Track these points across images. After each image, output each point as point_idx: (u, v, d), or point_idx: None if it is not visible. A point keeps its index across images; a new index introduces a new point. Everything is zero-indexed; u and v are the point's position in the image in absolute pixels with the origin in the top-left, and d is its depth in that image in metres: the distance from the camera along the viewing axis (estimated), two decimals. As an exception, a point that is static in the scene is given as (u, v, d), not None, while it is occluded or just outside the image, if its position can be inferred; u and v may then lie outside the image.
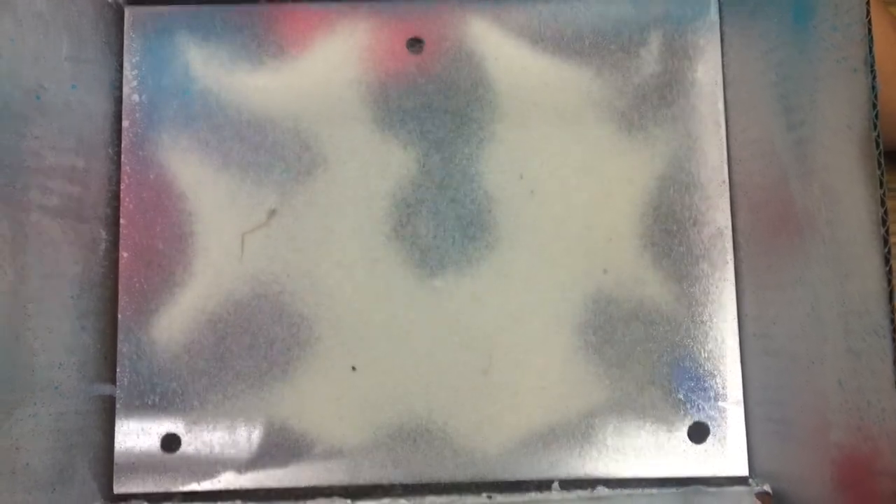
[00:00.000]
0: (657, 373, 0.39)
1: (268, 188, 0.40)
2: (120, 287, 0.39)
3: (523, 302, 0.39)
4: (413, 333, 0.39)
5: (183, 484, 0.38)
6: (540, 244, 0.40)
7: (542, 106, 0.40)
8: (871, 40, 0.31)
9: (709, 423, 0.38)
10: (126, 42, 0.40)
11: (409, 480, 0.38)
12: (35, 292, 0.34)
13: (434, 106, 0.40)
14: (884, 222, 0.30)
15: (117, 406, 0.39)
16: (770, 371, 0.37)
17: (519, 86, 0.40)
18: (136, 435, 0.38)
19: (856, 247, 0.32)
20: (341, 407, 0.39)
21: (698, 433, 0.38)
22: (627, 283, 0.39)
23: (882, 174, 0.30)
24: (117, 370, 0.39)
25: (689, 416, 0.39)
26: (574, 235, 0.40)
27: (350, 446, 0.39)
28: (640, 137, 0.40)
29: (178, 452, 0.38)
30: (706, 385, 0.39)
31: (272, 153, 0.40)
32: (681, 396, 0.39)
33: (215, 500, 0.38)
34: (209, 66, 0.40)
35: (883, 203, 0.30)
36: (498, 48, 0.41)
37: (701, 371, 0.39)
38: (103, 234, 0.39)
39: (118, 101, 0.40)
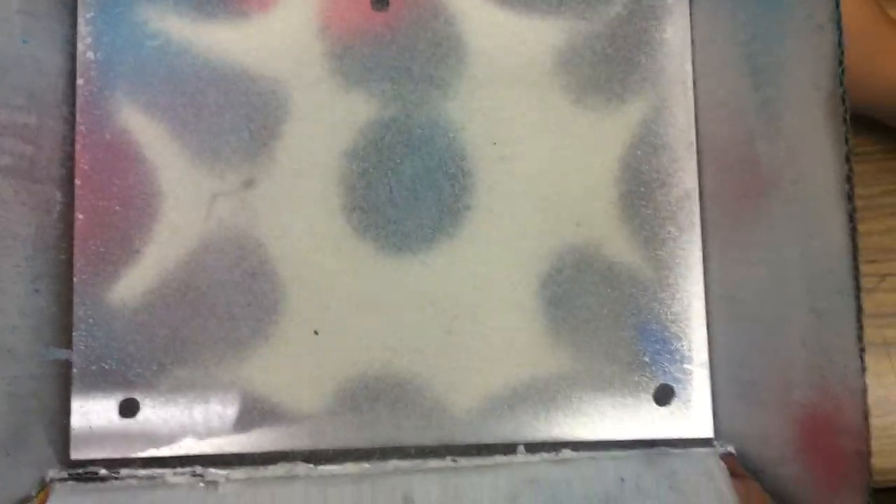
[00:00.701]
0: (623, 335, 0.39)
1: (229, 148, 0.39)
2: (75, 249, 0.38)
3: (490, 264, 0.39)
4: (377, 297, 0.39)
5: (142, 449, 0.37)
6: (509, 206, 0.39)
7: (510, 66, 0.40)
8: (837, -1, 0.30)
9: (674, 385, 0.38)
10: (80, -4, 0.39)
11: (372, 445, 0.38)
12: (-15, 252, 0.33)
13: (400, 64, 0.39)
14: (849, 180, 0.30)
15: (73, 370, 0.38)
16: (735, 333, 0.37)
17: (487, 45, 0.40)
18: (94, 400, 0.38)
19: (820, 205, 0.32)
20: (303, 372, 0.38)
21: (664, 395, 0.38)
22: (595, 245, 0.39)
23: (847, 131, 0.30)
24: (73, 334, 0.38)
25: (655, 379, 0.38)
26: (543, 199, 0.39)
27: (312, 411, 0.38)
28: (608, 98, 0.40)
29: (137, 417, 0.38)
30: (672, 348, 0.39)
31: (233, 113, 0.39)
32: (647, 359, 0.39)
33: (175, 466, 0.37)
34: (167, 22, 0.39)
35: (848, 160, 0.30)
36: (465, 6, 0.40)
37: (667, 334, 0.39)
38: (58, 195, 0.38)
39: (72, 57, 0.39)
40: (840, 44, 0.30)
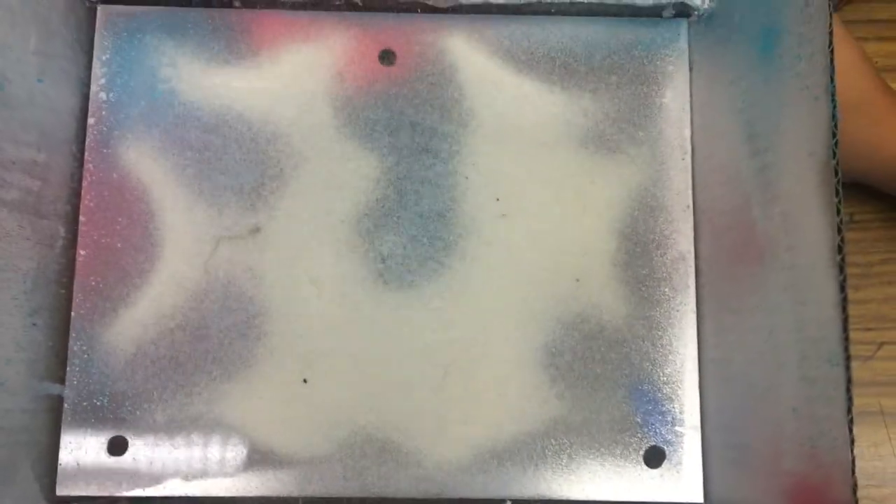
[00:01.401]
0: (615, 395, 0.38)
1: (233, 194, 0.39)
2: (75, 285, 0.38)
3: (488, 317, 0.39)
4: (369, 346, 0.39)
5: (128, 489, 0.37)
6: (506, 261, 0.39)
7: (512, 124, 0.40)
8: (832, 69, 0.31)
9: (665, 447, 0.38)
10: (97, 39, 0.40)
11: (359, 494, 0.38)
12: (-15, 285, 0.34)
13: (404, 119, 0.40)
14: (840, 250, 0.30)
15: (65, 406, 0.38)
16: (727, 397, 0.37)
17: (490, 103, 0.40)
18: (83, 436, 0.38)
19: (813, 274, 0.32)
20: (293, 418, 0.38)
21: (654, 457, 0.38)
22: (592, 303, 0.39)
23: (839, 202, 0.30)
24: (67, 369, 0.38)
25: (646, 440, 0.38)
26: (543, 255, 0.39)
27: (301, 458, 0.38)
28: (607, 160, 0.40)
29: (125, 456, 0.38)
30: (664, 409, 0.38)
31: (240, 159, 0.40)
32: (638, 419, 0.38)
33: (160, 507, 0.37)
34: (179, 67, 0.40)
35: (840, 231, 0.30)
36: (470, 65, 0.41)
37: (659, 395, 0.39)
38: (62, 230, 0.39)
39: (85, 97, 0.40)
40: (834, 115, 0.31)
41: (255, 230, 0.39)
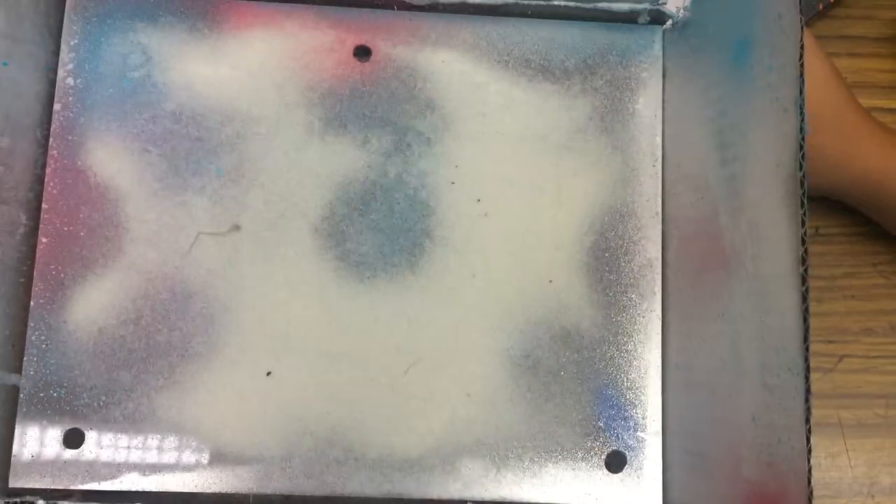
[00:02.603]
0: (579, 399, 0.39)
1: (201, 187, 0.39)
2: (35, 273, 0.38)
3: (455, 317, 0.39)
4: (336, 342, 0.38)
5: (83, 482, 0.37)
6: (478, 261, 0.39)
7: (485, 124, 0.40)
8: (802, 81, 0.31)
9: (627, 452, 0.38)
10: (66, 24, 0.39)
11: (319, 492, 0.37)
12: (-59, 270, 0.33)
13: (378, 115, 0.40)
14: (803, 261, 0.30)
15: (21, 396, 0.37)
16: (689, 403, 0.37)
17: (464, 103, 0.40)
18: (39, 428, 0.37)
19: (777, 284, 0.32)
20: (253, 413, 0.38)
21: (615, 462, 0.38)
22: (558, 307, 0.39)
23: (804, 213, 0.31)
24: (24, 359, 0.37)
25: (608, 445, 0.38)
26: (518, 254, 0.39)
27: (260, 454, 0.37)
28: (579, 164, 0.40)
29: (81, 449, 0.37)
30: (626, 414, 0.39)
31: (208, 149, 0.39)
32: (601, 424, 0.38)
33: (116, 501, 0.37)
34: (149, 55, 0.40)
35: (804, 242, 0.31)
36: (445, 64, 0.41)
37: (622, 400, 0.39)
38: (23, 217, 0.38)
39: (52, 83, 0.39)
40: (802, 128, 0.31)
41: (226, 224, 0.39)
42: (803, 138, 0.31)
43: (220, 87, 0.40)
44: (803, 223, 0.31)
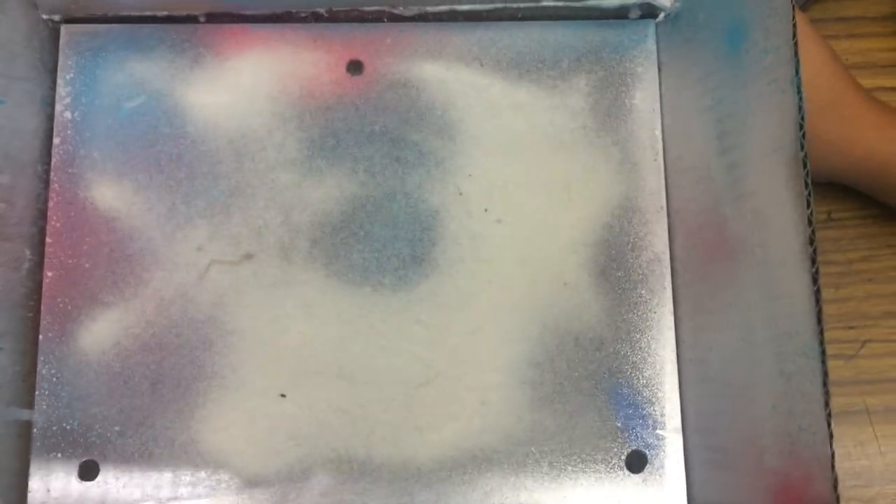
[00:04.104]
0: (595, 400, 0.38)
1: (204, 210, 0.39)
2: (43, 307, 0.38)
3: (471, 326, 0.38)
4: (351, 358, 0.38)
5: (100, 514, 0.37)
6: (490, 269, 0.39)
7: (482, 130, 0.40)
8: (797, 61, 0.31)
9: (647, 451, 0.38)
10: (61, 59, 0.40)
11: (337, 511, 0.37)
12: (-53, 309, 0.33)
13: (373, 129, 0.40)
14: (811, 242, 0.30)
15: (34, 431, 0.37)
16: (707, 397, 0.37)
17: (460, 110, 0.40)
18: (53, 462, 0.37)
19: (785, 268, 0.31)
20: (269, 435, 0.37)
21: (636, 462, 0.38)
22: (571, 309, 0.39)
23: (809, 194, 0.30)
24: (36, 393, 0.37)
25: (628, 445, 0.38)
26: (530, 260, 0.39)
27: (278, 476, 0.37)
28: (580, 164, 0.40)
29: (97, 480, 0.37)
30: (644, 412, 0.38)
31: (207, 173, 0.39)
32: (619, 424, 0.38)
33: (134, 532, 0.36)
34: (145, 85, 0.40)
35: (810, 223, 0.30)
36: (438, 73, 0.40)
37: (639, 398, 0.38)
38: (27, 252, 0.38)
39: (50, 117, 0.39)
40: (801, 108, 0.31)
41: (225, 244, 0.39)
42: (803, 119, 0.31)
43: (216, 112, 0.40)
44: (808, 204, 0.30)
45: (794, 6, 0.32)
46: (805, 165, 0.30)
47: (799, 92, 0.31)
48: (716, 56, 0.37)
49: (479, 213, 0.39)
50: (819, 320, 0.29)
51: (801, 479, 0.30)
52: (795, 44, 0.31)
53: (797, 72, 0.31)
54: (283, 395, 0.38)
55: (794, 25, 0.31)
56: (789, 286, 0.31)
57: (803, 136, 0.31)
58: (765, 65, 0.33)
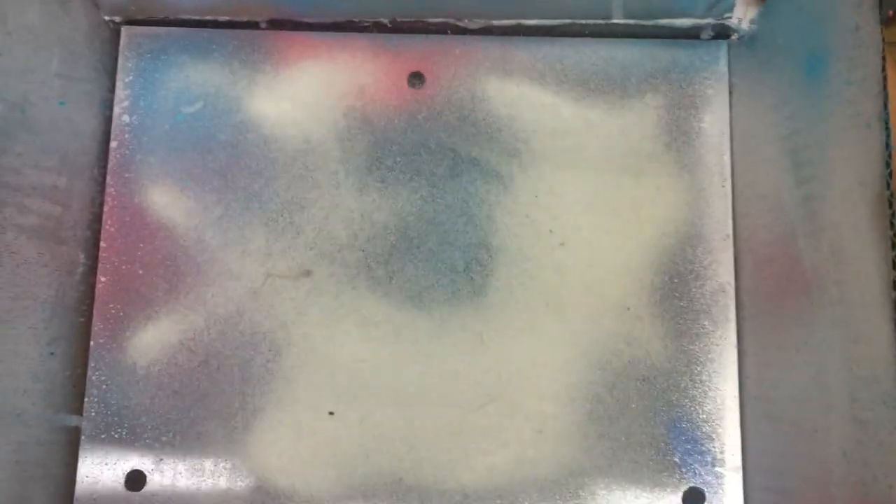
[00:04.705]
0: (653, 433, 0.37)
1: (260, 220, 0.38)
2: (95, 313, 0.37)
3: (530, 353, 0.38)
4: (403, 381, 0.37)
5: (145, 525, 0.36)
6: (551, 294, 0.38)
7: (547, 148, 0.39)
8: (885, 95, 0.29)
9: (705, 489, 0.36)
10: (120, 61, 0.39)
11: (384, 534, 0.36)
12: (3, 314, 0.33)
13: (434, 144, 0.39)
14: (895, 286, 0.29)
15: (82, 438, 0.37)
16: (771, 437, 0.35)
17: (521, 127, 0.39)
18: (100, 470, 0.36)
19: (865, 310, 0.30)
20: (317, 453, 0.37)
21: (694, 499, 0.36)
22: (631, 337, 0.38)
23: (894, 235, 0.29)
24: (85, 400, 0.37)
25: (685, 481, 0.37)
26: (593, 284, 0.38)
27: (323, 494, 0.36)
28: (644, 187, 0.39)
29: (143, 491, 0.36)
30: (703, 448, 0.37)
31: (265, 183, 0.39)
32: (676, 459, 0.37)
33: (178, 544, 0.36)
34: (204, 90, 0.39)
35: (894, 266, 0.29)
36: (501, 88, 0.40)
37: (698, 433, 0.37)
38: (81, 257, 0.38)
39: (108, 120, 0.39)
40: (889, 144, 0.29)
41: (280, 256, 0.38)
42: (889, 155, 0.29)
43: (275, 120, 0.39)
44: (894, 245, 0.29)
45: (883, 39, 0.30)
46: (891, 204, 0.29)
47: (887, 128, 0.30)
48: (792, 83, 0.35)
49: (542, 235, 0.38)
50: (902, 368, 0.28)
51: (873, 530, 0.29)
52: (885, 77, 0.30)
53: (886, 106, 0.30)
54: (331, 413, 0.37)
55: (884, 59, 0.30)
56: (869, 329, 0.30)
57: (889, 174, 0.29)
58: (847, 96, 0.32)
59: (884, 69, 0.30)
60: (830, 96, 0.33)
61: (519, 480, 0.37)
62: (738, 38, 0.39)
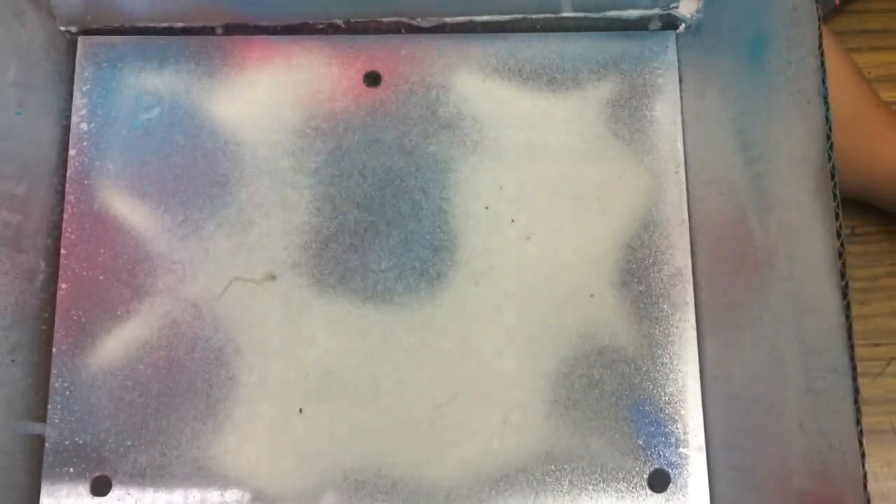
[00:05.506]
0: (617, 417, 0.37)
1: (220, 223, 0.39)
2: (56, 320, 0.37)
3: (490, 345, 0.38)
4: (369, 377, 0.37)
5: (112, 530, 0.36)
6: (515, 283, 0.38)
7: (503, 140, 0.40)
8: (824, 72, 0.30)
9: (670, 470, 0.37)
10: (77, 70, 0.40)
11: (352, 529, 0.36)
12: (-40, 320, 0.33)
13: (392, 141, 0.39)
14: (840, 255, 0.29)
15: (46, 445, 0.36)
16: (732, 415, 0.36)
17: (479, 121, 0.40)
18: (65, 477, 0.36)
19: (814, 281, 0.31)
20: (284, 454, 0.37)
21: (659, 481, 0.37)
22: (593, 324, 0.38)
23: (838, 206, 0.29)
24: (48, 407, 0.37)
25: (650, 463, 0.37)
26: (557, 275, 0.38)
27: (293, 493, 0.36)
28: (601, 176, 0.39)
29: (109, 497, 0.36)
30: (667, 430, 0.37)
31: (226, 186, 0.39)
32: (641, 442, 0.37)
33: (146, 549, 0.36)
34: (161, 97, 0.40)
35: (839, 235, 0.29)
36: (457, 83, 0.40)
37: (661, 416, 0.37)
38: (42, 264, 0.38)
39: (66, 129, 0.39)
40: (828, 118, 0.30)
41: (239, 255, 0.38)
42: (830, 129, 0.30)
43: (232, 124, 0.39)
44: (837, 216, 0.29)
45: (819, 17, 0.31)
46: (833, 177, 0.30)
47: (826, 102, 0.30)
48: (737, 67, 0.36)
49: (504, 226, 0.39)
50: (849, 335, 0.29)
51: (832, 499, 0.30)
52: (821, 54, 0.30)
53: (824, 82, 0.30)
54: (300, 411, 0.37)
55: (820, 36, 0.31)
56: (818, 300, 0.30)
57: (831, 147, 0.30)
58: (788, 75, 0.32)
59: (821, 46, 0.31)
60: (773, 76, 0.34)
61: (487, 471, 0.37)
62: (686, 28, 0.40)
